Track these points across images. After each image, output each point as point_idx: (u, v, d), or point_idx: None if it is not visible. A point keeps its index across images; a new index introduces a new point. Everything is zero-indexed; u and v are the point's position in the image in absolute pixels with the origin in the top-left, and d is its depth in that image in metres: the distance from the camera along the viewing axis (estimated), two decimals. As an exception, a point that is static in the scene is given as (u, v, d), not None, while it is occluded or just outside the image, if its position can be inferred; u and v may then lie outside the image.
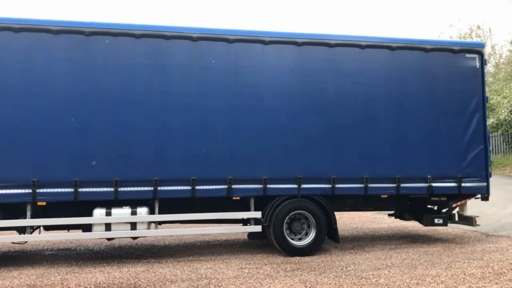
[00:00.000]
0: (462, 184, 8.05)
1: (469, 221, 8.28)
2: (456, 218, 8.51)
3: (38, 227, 7.27)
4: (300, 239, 7.61)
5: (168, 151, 7.12)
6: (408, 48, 8.04)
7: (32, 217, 6.80)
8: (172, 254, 7.74)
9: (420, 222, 8.54)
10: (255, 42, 7.51)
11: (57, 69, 6.87)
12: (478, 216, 8.33)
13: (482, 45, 8.42)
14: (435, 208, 8.63)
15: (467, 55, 8.24)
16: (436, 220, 8.25)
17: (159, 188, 7.03)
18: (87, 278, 6.11)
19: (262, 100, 7.47)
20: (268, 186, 7.37)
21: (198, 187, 7.15)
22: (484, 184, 8.16)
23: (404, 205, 8.65)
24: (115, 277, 6.17)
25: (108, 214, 6.96)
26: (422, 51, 8.08)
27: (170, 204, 7.39)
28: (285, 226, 7.48)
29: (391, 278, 5.87)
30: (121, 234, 7.08)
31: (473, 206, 9.02)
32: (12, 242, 7.51)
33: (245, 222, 7.79)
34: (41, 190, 6.70)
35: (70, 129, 6.84)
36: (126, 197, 6.96)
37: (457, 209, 8.45)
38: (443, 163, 8.03)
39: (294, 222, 7.64)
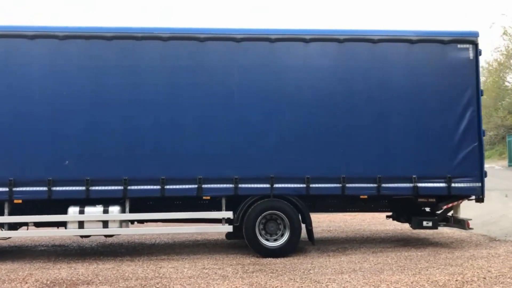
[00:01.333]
0: (452, 185, 7.49)
1: (461, 224, 7.69)
2: (452, 221, 7.93)
3: (26, 223, 7.59)
4: (275, 240, 7.42)
5: (137, 151, 7.21)
6: (391, 41, 7.60)
7: (11, 214, 7.13)
8: (150, 253, 7.83)
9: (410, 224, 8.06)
10: (227, 40, 7.42)
11: (33, 72, 7.16)
12: (471, 219, 7.73)
13: (476, 35, 7.76)
14: (429, 210, 8.11)
15: (459, 46, 7.66)
16: (425, 223, 7.74)
17: (129, 187, 7.13)
18: (51, 274, 6.32)
19: (232, 97, 7.36)
20: (240, 185, 7.26)
21: (167, 187, 7.18)
22: (478, 184, 7.55)
23: (397, 207, 8.21)
24: (78, 274, 6.33)
25: (81, 212, 7.15)
26: (407, 43, 7.61)
27: (146, 203, 7.49)
28: (258, 226, 7.32)
29: (346, 283, 5.58)
30: (93, 232, 7.26)
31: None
32: None
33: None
34: (17, 189, 7.02)
35: (45, 129, 7.10)
36: (97, 196, 7.13)
37: (452, 211, 7.89)
38: (430, 162, 7.52)
39: (270, 222, 7.46)
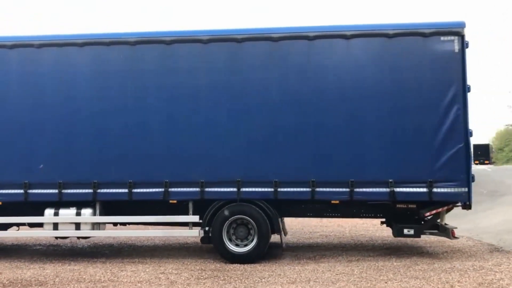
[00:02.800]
0: (434, 190, 6.88)
1: (446, 233, 7.06)
2: (437, 229, 7.31)
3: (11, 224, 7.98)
4: (246, 245, 7.23)
5: (106, 155, 7.31)
6: (366, 36, 7.12)
7: (-6, 215, 7.52)
8: (128, 255, 7.92)
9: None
10: (193, 42, 7.33)
11: (12, 80, 7.50)
12: (456, 228, 7.06)
13: (462, 25, 7.06)
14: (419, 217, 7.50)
15: (442, 38, 7.02)
16: (405, 231, 7.18)
17: (98, 190, 7.27)
18: (17, 274, 6.58)
19: (199, 99, 7.27)
20: (206, 189, 7.15)
21: (135, 190, 7.23)
22: (464, 189, 6.87)
23: (388, 213, 7.61)
24: (41, 274, 6.54)
25: (56, 214, 7.40)
26: (383, 37, 7.09)
27: (120, 206, 7.56)
28: (225, 231, 7.17)
29: (285, 294, 5.30)
30: (66, 233, 7.48)
31: None
32: None
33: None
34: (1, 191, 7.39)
35: (21, 135, 7.41)
36: (69, 199, 7.32)
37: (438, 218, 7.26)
38: (409, 164, 6.97)
39: (240, 227, 7.28)
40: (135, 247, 8.76)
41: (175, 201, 7.26)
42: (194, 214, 7.26)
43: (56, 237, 7.88)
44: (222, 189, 7.14)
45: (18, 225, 7.89)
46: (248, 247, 7.15)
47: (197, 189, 7.15)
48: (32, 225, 7.74)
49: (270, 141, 7.14)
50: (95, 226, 7.48)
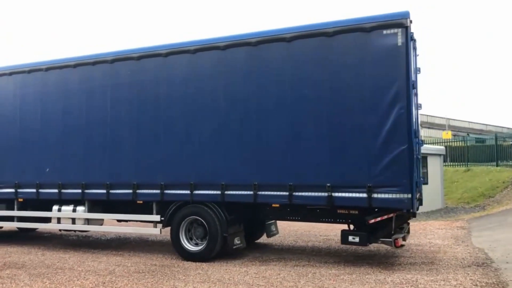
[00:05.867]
0: (374, 195, 6.42)
1: (391, 242, 6.50)
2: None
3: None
4: (199, 244, 7.65)
5: (91, 160, 8.42)
6: (306, 36, 6.94)
7: (19, 210, 9.25)
8: (113, 247, 8.99)
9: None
10: (155, 56, 8.00)
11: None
12: (402, 236, 6.45)
13: (406, 15, 6.38)
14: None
15: (385, 32, 6.48)
16: (350, 238, 6.79)
17: (85, 191, 8.43)
18: (12, 258, 8.05)
19: (160, 109, 7.91)
20: (165, 191, 7.77)
21: (111, 191, 8.21)
22: (406, 195, 6.27)
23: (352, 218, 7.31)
24: (27, 259, 7.91)
25: (59, 210, 8.79)
26: (323, 36, 6.83)
27: (110, 204, 8.60)
28: (182, 230, 7.68)
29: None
30: (63, 227, 8.82)
31: None
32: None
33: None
34: (20, 190, 9.08)
35: (33, 145, 8.98)
36: (67, 198, 8.64)
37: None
38: (348, 169, 6.61)
39: (199, 227, 7.73)
40: (123, 241, 9.76)
41: (141, 202, 8.04)
42: (158, 214, 7.93)
43: (60, 230, 9.32)
44: (178, 191, 7.68)
45: (33, 220, 9.46)
46: (200, 246, 7.57)
47: (158, 191, 7.81)
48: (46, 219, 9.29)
49: (218, 146, 7.44)
50: (87, 221, 8.65)
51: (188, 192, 7.60)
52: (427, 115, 57.55)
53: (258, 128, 7.18)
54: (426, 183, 8.52)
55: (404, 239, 6.88)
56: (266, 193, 7.07)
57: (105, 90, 8.38)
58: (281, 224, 11.06)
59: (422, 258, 7.42)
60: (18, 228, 10.57)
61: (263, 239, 9.22)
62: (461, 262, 7.03)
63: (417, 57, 8.24)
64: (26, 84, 9.16)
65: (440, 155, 18.65)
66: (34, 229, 10.88)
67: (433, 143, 27.17)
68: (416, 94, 7.45)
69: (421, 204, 8.19)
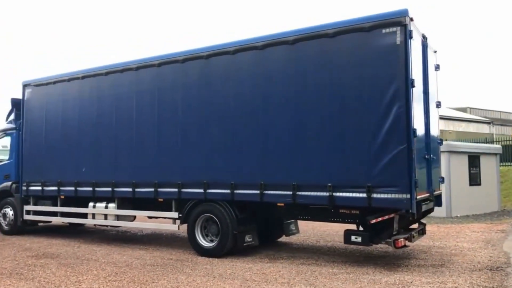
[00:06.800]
0: (374, 195, 6.40)
1: (392, 242, 6.42)
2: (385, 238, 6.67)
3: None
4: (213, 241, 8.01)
5: (120, 162, 9.09)
6: (308, 38, 7.05)
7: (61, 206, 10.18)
8: (143, 242, 9.60)
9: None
10: (149, 67, 8.67)
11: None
12: (404, 237, 6.36)
13: (404, 13, 6.26)
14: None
15: (384, 31, 6.44)
16: (353, 238, 6.80)
17: (115, 189, 9.11)
18: (53, 249, 8.90)
19: (177, 114, 8.37)
20: (182, 190, 8.22)
21: (136, 190, 8.81)
22: (406, 196, 6.18)
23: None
24: (64, 251, 8.69)
25: (94, 207, 9.57)
26: (325, 38, 6.90)
27: (138, 202, 9.24)
28: (197, 227, 8.08)
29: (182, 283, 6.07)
30: (97, 222, 9.59)
31: None
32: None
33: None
34: (62, 188, 9.99)
35: (72, 147, 9.85)
36: (99, 195, 9.38)
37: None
38: (349, 169, 6.64)
39: (214, 224, 8.08)
40: (154, 236, 10.33)
41: (161, 200, 8.56)
42: (176, 211, 8.41)
43: (94, 225, 10.10)
44: (194, 190, 8.09)
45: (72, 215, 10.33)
46: (213, 242, 7.92)
47: (176, 190, 8.28)
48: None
49: (228, 148, 7.75)
50: (117, 217, 9.33)
51: (202, 191, 7.98)
52: (500, 112, 54.06)
53: (265, 131, 7.39)
54: (443, 182, 8.23)
55: (409, 240, 6.78)
56: (272, 192, 7.27)
57: (131, 96, 9.00)
58: (311, 224, 11.19)
59: (436, 260, 7.22)
60: (68, 223, 11.58)
61: (288, 238, 9.41)
62: (474, 266, 6.77)
63: (435, 54, 8.07)
64: (66, 91, 10.06)
65: (495, 154, 17.61)
66: (82, 224, 11.83)
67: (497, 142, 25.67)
68: (426, 92, 7.29)
69: (439, 205, 8.01)
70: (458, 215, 14.82)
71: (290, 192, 7.07)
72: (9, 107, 11.53)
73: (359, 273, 6.41)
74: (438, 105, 8.14)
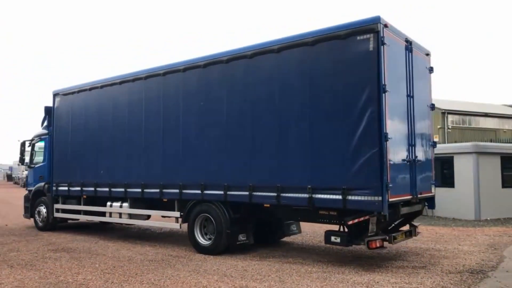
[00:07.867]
0: (348, 197, 6.61)
1: (366, 243, 6.58)
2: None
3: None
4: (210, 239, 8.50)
5: (132, 163, 9.81)
6: (292, 47, 7.35)
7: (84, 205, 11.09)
8: (154, 239, 10.25)
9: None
10: (175, 72, 9.09)
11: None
12: (380, 238, 6.51)
13: (376, 20, 6.40)
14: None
15: (358, 38, 6.63)
16: (333, 238, 7.03)
17: (127, 189, 9.84)
18: (72, 244, 9.77)
19: (178, 119, 8.95)
20: (183, 191, 8.78)
21: (145, 190, 9.48)
22: (377, 198, 6.34)
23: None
24: (81, 245, 9.52)
25: (111, 206, 10.37)
26: (305, 46, 7.19)
27: (149, 202, 9.93)
28: (196, 225, 8.60)
29: (168, 278, 6.61)
30: (112, 220, 10.37)
31: None
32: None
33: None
34: (84, 188, 10.89)
35: (92, 150, 10.71)
36: (115, 196, 10.16)
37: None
38: (326, 171, 6.89)
39: (210, 224, 8.54)
40: (168, 234, 10.94)
41: (166, 200, 9.16)
42: (178, 211, 8.98)
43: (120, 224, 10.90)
44: (193, 191, 8.62)
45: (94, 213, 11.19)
46: (210, 241, 8.40)
47: (177, 191, 8.85)
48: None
49: (222, 150, 8.21)
50: (129, 216, 10.05)
51: (199, 192, 8.49)
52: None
53: (252, 135, 7.79)
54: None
55: (390, 241, 6.92)
56: (259, 193, 7.64)
57: (140, 103, 9.69)
58: (318, 225, 11.38)
59: (421, 262, 7.28)
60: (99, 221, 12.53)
61: (291, 238, 9.73)
62: (456, 269, 6.80)
63: (428, 56, 8.12)
64: (87, 100, 10.96)
65: (522, 154, 16.77)
66: (109, 222, 12.73)
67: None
68: (410, 96, 7.37)
69: (432, 207, 8.04)
70: (488, 218, 14.34)
71: (275, 194, 7.41)
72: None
73: (335, 272, 6.64)
74: (432, 107, 8.17)
